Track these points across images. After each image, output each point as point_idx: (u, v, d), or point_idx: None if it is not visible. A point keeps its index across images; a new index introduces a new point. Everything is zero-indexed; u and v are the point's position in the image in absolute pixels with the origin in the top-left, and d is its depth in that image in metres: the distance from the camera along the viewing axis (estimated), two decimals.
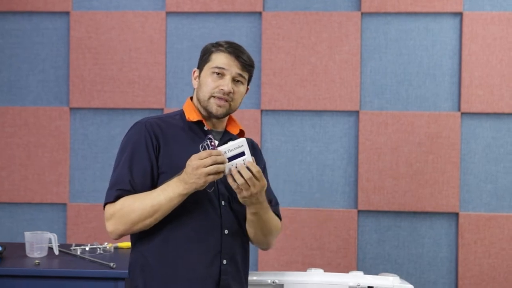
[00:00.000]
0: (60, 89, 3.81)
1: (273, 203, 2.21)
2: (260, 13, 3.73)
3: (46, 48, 3.82)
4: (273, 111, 3.72)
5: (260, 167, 2.18)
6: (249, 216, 2.02)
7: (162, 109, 3.73)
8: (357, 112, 3.68)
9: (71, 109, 3.79)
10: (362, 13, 3.68)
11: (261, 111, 3.71)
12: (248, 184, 1.87)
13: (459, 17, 3.65)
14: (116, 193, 1.94)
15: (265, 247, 2.17)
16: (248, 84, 2.11)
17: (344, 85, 3.67)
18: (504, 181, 3.62)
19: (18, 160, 3.79)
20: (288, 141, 3.71)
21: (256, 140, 3.66)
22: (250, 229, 2.07)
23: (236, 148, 1.87)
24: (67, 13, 3.81)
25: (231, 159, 1.86)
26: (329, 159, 3.69)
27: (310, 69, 3.69)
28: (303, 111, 3.70)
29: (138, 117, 3.67)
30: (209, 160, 1.81)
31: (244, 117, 3.67)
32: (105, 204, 1.96)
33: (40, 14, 3.82)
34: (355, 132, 3.68)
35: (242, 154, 1.87)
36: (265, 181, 1.92)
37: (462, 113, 3.63)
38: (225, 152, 1.86)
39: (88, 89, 3.77)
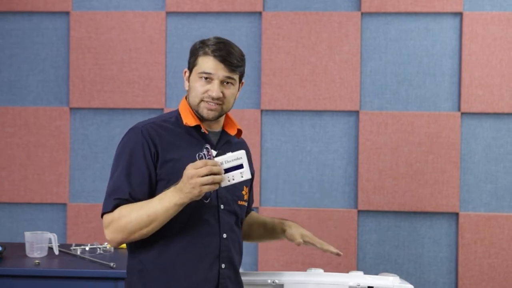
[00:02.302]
0: (60, 89, 3.81)
1: (251, 206, 2.28)
2: (260, 13, 3.73)
3: (46, 48, 3.82)
4: (273, 111, 3.72)
5: (252, 167, 2.20)
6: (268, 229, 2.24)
7: (162, 109, 3.73)
8: (357, 112, 3.68)
9: (71, 109, 3.79)
10: (362, 13, 3.68)
11: (261, 111, 3.71)
12: None
13: (459, 17, 3.65)
14: (114, 202, 1.90)
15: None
16: (241, 80, 2.05)
17: (344, 85, 3.67)
18: (504, 181, 3.62)
19: (18, 160, 3.79)
20: (288, 141, 3.71)
21: (256, 140, 3.66)
22: (258, 234, 2.27)
23: (234, 160, 1.81)
24: (67, 13, 3.81)
25: (228, 170, 1.81)
26: (329, 159, 3.69)
27: (310, 69, 3.69)
28: (303, 111, 3.70)
29: (138, 117, 3.69)
30: (204, 170, 1.76)
31: (244, 117, 3.67)
32: (103, 213, 1.93)
33: (40, 14, 3.82)
34: (355, 132, 3.68)
35: (240, 166, 1.82)
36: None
37: (462, 113, 3.63)
38: (222, 163, 1.80)
39: (88, 89, 3.77)
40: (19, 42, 3.82)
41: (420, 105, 3.66)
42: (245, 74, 2.09)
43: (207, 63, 1.96)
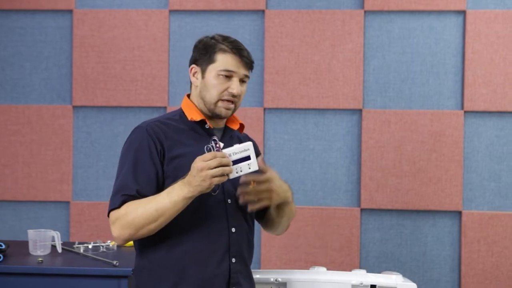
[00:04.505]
0: (63, 87, 3.82)
1: None
2: (263, 11, 3.73)
3: (49, 46, 3.82)
4: (276, 109, 3.72)
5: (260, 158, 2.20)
6: (273, 212, 2.09)
7: (165, 108, 3.73)
8: (360, 110, 3.68)
9: (74, 107, 3.80)
10: (365, 11, 3.68)
11: (264, 109, 3.71)
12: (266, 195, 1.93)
13: (463, 15, 3.64)
14: (121, 199, 1.89)
15: (281, 232, 2.21)
16: None
17: (347, 83, 3.67)
18: (507, 180, 3.61)
19: (21, 158, 3.80)
20: (291, 139, 3.71)
21: (259, 138, 3.66)
22: (272, 221, 2.13)
23: (242, 151, 1.83)
24: (70, 11, 3.81)
25: (236, 162, 1.82)
26: (332, 158, 3.69)
27: (313, 67, 3.69)
28: (306, 109, 3.70)
29: (141, 115, 3.70)
30: (214, 162, 1.77)
31: (247, 115, 3.67)
32: (110, 210, 1.92)
33: (43, 12, 3.82)
34: (358, 131, 3.68)
35: (247, 158, 1.84)
36: (273, 183, 1.94)
37: (465, 112, 3.63)
38: (230, 155, 1.81)
39: (91, 87, 3.77)
40: (22, 40, 3.83)
41: (423, 104, 3.66)
42: None
43: (228, 60, 1.97)
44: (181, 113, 2.05)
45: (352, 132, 3.69)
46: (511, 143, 3.62)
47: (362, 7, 3.68)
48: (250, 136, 2.24)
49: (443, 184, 3.61)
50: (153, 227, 1.87)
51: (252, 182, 1.94)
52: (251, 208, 1.95)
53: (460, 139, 3.61)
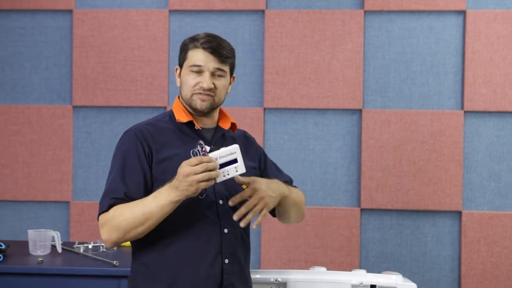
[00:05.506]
0: (63, 87, 3.82)
1: (289, 182, 2.22)
2: (263, 11, 3.73)
3: (49, 46, 3.82)
4: (276, 109, 3.72)
5: (258, 154, 2.18)
6: (277, 207, 2.08)
7: (165, 107, 3.73)
8: (360, 110, 3.68)
9: (74, 107, 3.80)
10: (365, 11, 3.68)
11: (264, 109, 3.71)
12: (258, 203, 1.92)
13: (463, 15, 3.64)
14: (109, 202, 1.90)
15: (300, 220, 2.21)
16: (232, 73, 2.07)
17: (347, 83, 3.67)
18: (507, 180, 3.61)
19: (21, 158, 3.80)
20: (291, 139, 3.71)
21: (259, 138, 3.66)
22: (283, 215, 2.13)
23: (229, 154, 1.82)
24: (70, 11, 3.81)
25: (223, 165, 1.82)
26: (332, 158, 3.69)
27: (313, 67, 3.69)
28: (306, 109, 3.70)
29: (141, 115, 3.70)
30: (200, 168, 1.76)
31: (247, 115, 3.67)
32: (99, 214, 1.93)
33: (43, 12, 3.82)
34: (358, 131, 3.68)
35: (234, 161, 1.83)
36: (259, 189, 1.93)
37: (465, 112, 3.63)
38: (216, 159, 1.81)
39: (91, 87, 3.77)
40: (22, 40, 3.83)
41: (423, 104, 3.66)
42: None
43: (197, 55, 1.98)
44: (171, 114, 2.07)
45: (352, 132, 3.69)
46: (511, 143, 3.62)
47: (362, 7, 3.68)
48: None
49: (443, 184, 3.61)
50: (141, 230, 1.88)
51: (245, 186, 1.95)
52: (244, 223, 1.91)
53: (460, 139, 3.61)
